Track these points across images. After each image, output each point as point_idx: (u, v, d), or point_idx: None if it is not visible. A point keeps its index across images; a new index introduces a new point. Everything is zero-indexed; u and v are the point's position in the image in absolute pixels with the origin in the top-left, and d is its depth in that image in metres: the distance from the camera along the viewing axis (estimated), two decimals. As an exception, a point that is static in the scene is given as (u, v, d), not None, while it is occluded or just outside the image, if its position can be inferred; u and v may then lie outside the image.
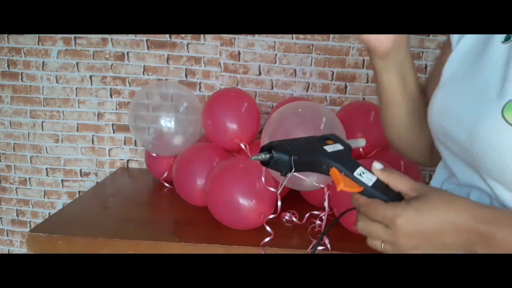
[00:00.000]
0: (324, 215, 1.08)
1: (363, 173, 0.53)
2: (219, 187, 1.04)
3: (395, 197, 0.51)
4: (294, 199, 1.23)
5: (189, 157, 1.20)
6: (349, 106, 1.39)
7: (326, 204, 1.06)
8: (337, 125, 1.07)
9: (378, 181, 0.52)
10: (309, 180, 1.01)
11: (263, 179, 1.05)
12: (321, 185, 1.03)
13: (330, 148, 0.55)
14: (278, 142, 0.54)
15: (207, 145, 1.27)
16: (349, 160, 0.54)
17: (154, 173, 1.45)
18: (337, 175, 0.52)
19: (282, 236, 1.03)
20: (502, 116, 0.44)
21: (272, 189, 1.06)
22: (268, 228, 1.04)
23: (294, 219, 1.13)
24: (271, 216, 1.10)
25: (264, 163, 0.53)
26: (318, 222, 1.09)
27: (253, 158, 0.53)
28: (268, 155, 0.52)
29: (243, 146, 1.20)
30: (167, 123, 1.27)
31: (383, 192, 0.52)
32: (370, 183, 0.52)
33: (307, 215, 1.13)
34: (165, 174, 1.38)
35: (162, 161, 1.39)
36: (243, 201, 1.01)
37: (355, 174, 0.52)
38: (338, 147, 0.56)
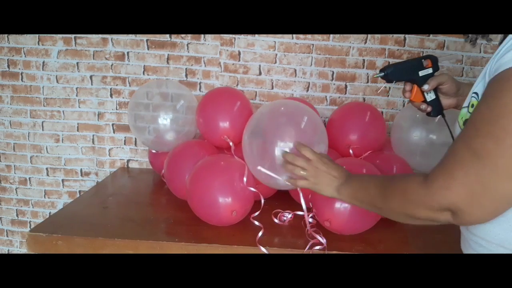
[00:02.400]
0: (309, 215, 1.08)
1: (430, 96, 0.91)
2: (196, 183, 1.05)
3: (437, 112, 0.92)
4: (287, 198, 1.23)
5: (178, 152, 1.22)
6: (345, 106, 1.39)
7: (302, 202, 1.03)
8: (318, 123, 1.05)
9: (435, 102, 0.91)
10: (282, 179, 0.97)
11: (245, 179, 1.06)
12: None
13: (422, 72, 0.91)
14: (391, 66, 0.92)
15: (197, 141, 1.29)
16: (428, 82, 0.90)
17: (156, 169, 1.46)
18: (415, 90, 0.92)
19: (281, 236, 1.04)
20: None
21: (253, 189, 1.06)
22: (256, 223, 1.05)
23: (285, 217, 1.13)
24: (256, 214, 1.11)
25: (383, 77, 0.92)
26: (310, 220, 1.08)
27: (375, 75, 0.94)
28: (382, 73, 0.92)
29: (230, 144, 1.20)
30: (163, 120, 1.29)
31: (434, 107, 0.92)
32: (428, 100, 0.91)
33: (290, 215, 1.14)
34: (164, 170, 1.39)
35: (162, 157, 1.40)
36: (215, 198, 1.02)
37: (424, 93, 0.91)
38: (429, 71, 0.91)
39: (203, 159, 1.12)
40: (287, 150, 0.93)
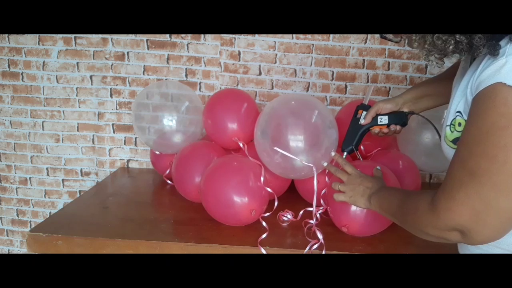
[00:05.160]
0: (318, 211, 1.09)
1: (382, 119, 0.99)
2: (211, 184, 1.05)
3: (403, 123, 0.99)
4: (292, 198, 1.23)
5: (187, 154, 1.22)
6: (351, 104, 1.38)
7: (315, 198, 1.06)
8: (328, 115, 1.09)
9: (390, 118, 0.99)
10: (298, 159, 1.02)
11: (262, 178, 1.06)
12: (310, 164, 1.04)
13: (361, 118, 1.02)
14: (344, 142, 1.05)
15: (205, 143, 1.29)
16: (374, 118, 1.01)
17: (159, 170, 1.47)
18: (376, 129, 1.01)
19: (281, 236, 1.04)
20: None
21: (269, 189, 1.07)
22: (264, 224, 1.05)
23: (289, 216, 1.13)
24: (267, 214, 1.11)
25: (350, 153, 1.04)
26: (311, 221, 1.08)
27: (344, 157, 1.04)
28: (345, 153, 1.04)
29: (241, 145, 1.21)
30: (169, 122, 1.29)
31: (394, 121, 0.98)
32: (387, 122, 0.99)
33: (301, 212, 1.14)
34: (167, 171, 1.39)
35: (165, 158, 1.40)
36: (233, 198, 1.02)
37: (379, 123, 1.00)
38: (364, 114, 1.02)
39: (216, 160, 1.12)
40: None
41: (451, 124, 0.63)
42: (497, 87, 0.51)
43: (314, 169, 1.04)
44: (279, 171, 1.10)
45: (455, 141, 0.62)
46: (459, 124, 0.61)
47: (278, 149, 1.02)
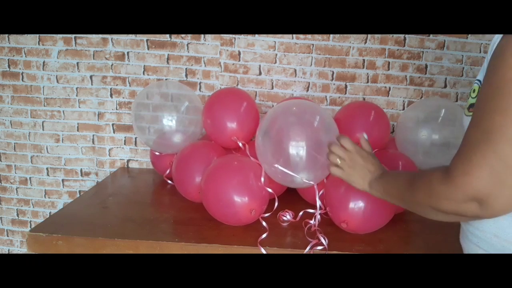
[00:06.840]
0: (318, 213, 1.09)
1: None
2: (212, 183, 1.05)
3: None
4: (292, 198, 1.23)
5: (187, 154, 1.22)
6: (349, 106, 1.39)
7: (317, 200, 1.06)
8: (331, 123, 1.09)
9: None
10: (299, 177, 1.02)
11: (262, 179, 1.06)
12: (311, 182, 1.04)
13: None
14: None
15: (205, 143, 1.29)
16: None
17: (159, 170, 1.47)
18: None
19: (281, 236, 1.04)
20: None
21: (270, 190, 1.07)
22: (264, 223, 1.05)
23: (288, 216, 1.13)
24: (267, 214, 1.11)
25: None
26: (311, 222, 1.08)
27: None
28: None
29: (240, 144, 1.21)
30: (168, 122, 1.29)
31: None
32: None
33: (300, 213, 1.14)
34: (168, 171, 1.39)
35: (165, 158, 1.41)
36: (233, 197, 1.02)
37: None
38: None
39: (216, 160, 1.13)
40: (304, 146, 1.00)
41: (470, 92, 0.61)
42: (508, 40, 0.50)
43: (315, 186, 1.04)
44: (281, 180, 1.10)
45: (470, 107, 0.60)
46: (474, 91, 0.59)
47: (279, 166, 1.01)
